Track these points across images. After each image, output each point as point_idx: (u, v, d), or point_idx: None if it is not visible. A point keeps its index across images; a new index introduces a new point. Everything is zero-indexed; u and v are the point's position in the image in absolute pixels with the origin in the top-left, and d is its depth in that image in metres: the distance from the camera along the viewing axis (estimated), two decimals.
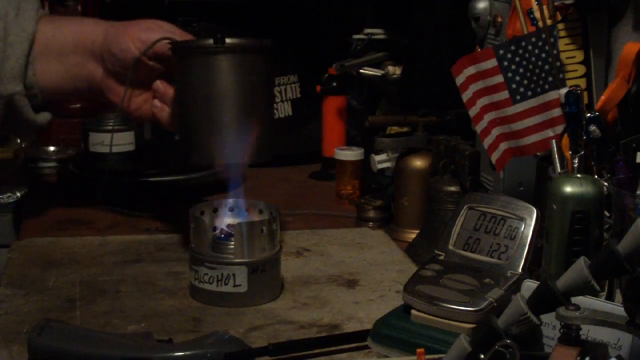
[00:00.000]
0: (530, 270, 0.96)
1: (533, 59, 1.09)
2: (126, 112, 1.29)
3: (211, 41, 1.17)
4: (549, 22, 1.09)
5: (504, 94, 1.10)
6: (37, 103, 1.28)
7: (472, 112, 1.12)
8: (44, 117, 1.30)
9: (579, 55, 1.23)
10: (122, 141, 1.56)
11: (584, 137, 1.01)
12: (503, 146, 1.11)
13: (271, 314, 1.07)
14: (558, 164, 1.05)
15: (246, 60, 1.17)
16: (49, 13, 1.33)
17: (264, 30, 1.71)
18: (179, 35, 1.24)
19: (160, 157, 1.30)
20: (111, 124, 1.61)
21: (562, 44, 1.20)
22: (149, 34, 1.22)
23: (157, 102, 1.25)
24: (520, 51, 1.10)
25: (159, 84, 1.24)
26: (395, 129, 1.55)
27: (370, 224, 1.41)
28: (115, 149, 1.59)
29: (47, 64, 1.26)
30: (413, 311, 0.92)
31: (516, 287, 0.90)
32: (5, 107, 1.24)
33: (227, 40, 1.16)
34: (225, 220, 1.13)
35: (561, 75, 1.09)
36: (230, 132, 1.16)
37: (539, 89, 1.10)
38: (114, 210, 1.41)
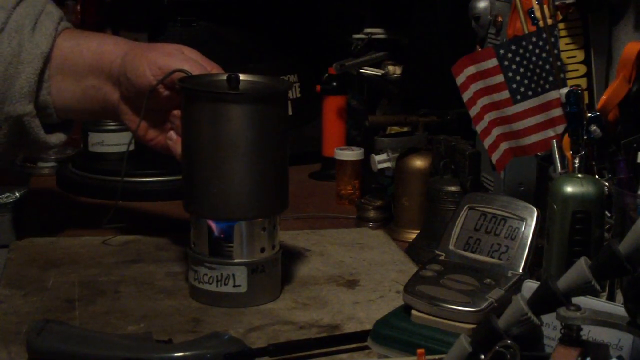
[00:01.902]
0: (531, 270, 0.96)
1: (534, 58, 1.09)
2: (141, 142, 1.22)
3: (224, 78, 1.08)
4: (549, 21, 1.09)
5: (505, 94, 1.10)
6: (53, 122, 1.22)
7: (473, 112, 1.12)
8: (58, 138, 1.23)
9: (580, 55, 1.23)
10: (122, 141, 1.56)
11: (585, 137, 1.01)
12: (503, 146, 1.11)
13: (271, 315, 1.06)
14: (559, 164, 1.05)
15: (261, 110, 1.06)
16: (71, 26, 1.23)
17: (264, 30, 1.72)
18: (200, 65, 1.15)
19: (160, 157, 1.29)
20: (112, 126, 1.60)
21: (563, 43, 1.20)
22: (168, 61, 1.14)
23: (172, 134, 1.18)
24: (521, 51, 1.09)
25: (175, 115, 1.15)
26: (395, 129, 1.54)
27: (370, 224, 1.41)
28: (115, 149, 1.59)
29: (63, 83, 1.19)
30: (413, 311, 0.92)
31: (517, 287, 0.90)
32: (15, 128, 1.19)
33: (241, 78, 1.07)
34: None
35: (562, 75, 1.09)
36: (238, 186, 1.06)
37: (539, 89, 1.10)
38: (117, 228, 1.36)
